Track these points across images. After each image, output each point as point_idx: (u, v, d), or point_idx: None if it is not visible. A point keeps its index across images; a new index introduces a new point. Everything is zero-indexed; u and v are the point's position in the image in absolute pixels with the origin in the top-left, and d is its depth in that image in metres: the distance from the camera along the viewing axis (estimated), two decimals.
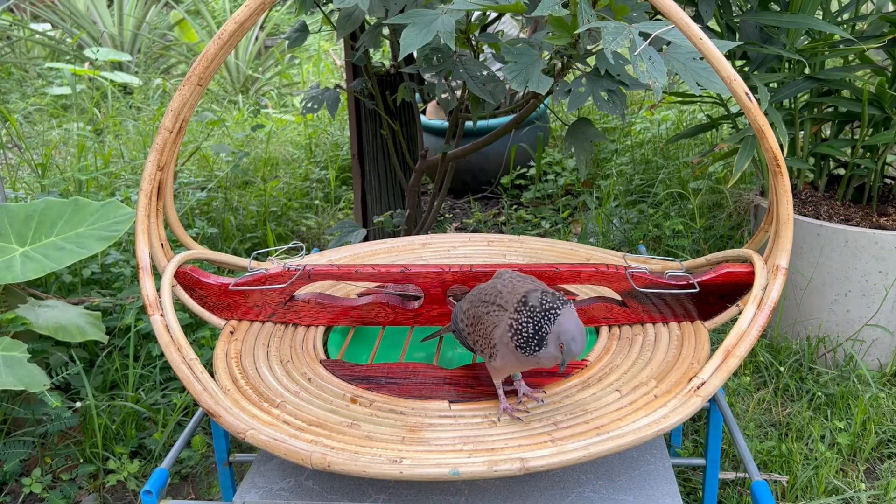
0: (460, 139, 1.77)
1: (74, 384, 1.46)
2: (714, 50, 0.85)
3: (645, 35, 1.09)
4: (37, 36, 4.82)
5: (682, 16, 0.86)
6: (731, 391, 1.42)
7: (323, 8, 1.64)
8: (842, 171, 1.71)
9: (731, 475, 1.22)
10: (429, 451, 0.74)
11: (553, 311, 0.73)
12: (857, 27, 1.51)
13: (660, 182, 2.18)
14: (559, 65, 1.35)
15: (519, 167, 2.70)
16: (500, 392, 0.81)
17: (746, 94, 0.84)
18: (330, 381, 0.88)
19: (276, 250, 1.19)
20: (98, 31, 4.43)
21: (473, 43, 1.41)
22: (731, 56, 1.49)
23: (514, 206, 2.60)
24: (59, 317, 1.38)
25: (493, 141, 1.62)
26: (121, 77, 3.76)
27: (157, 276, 0.97)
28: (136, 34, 4.42)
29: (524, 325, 0.74)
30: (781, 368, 1.44)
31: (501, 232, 2.42)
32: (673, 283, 0.95)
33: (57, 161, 2.42)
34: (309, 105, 1.62)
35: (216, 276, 1.00)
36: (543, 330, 0.73)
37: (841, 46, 1.43)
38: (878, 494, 1.19)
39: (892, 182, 1.65)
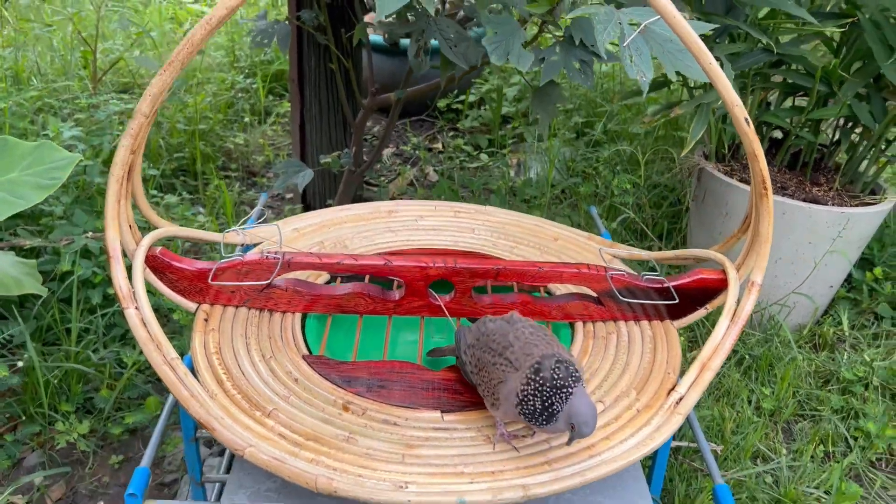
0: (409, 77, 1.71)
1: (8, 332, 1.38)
2: (715, 67, 0.85)
3: (635, 25, 1.08)
4: None
5: (675, 13, 0.84)
6: None
7: None
8: (779, 135, 1.77)
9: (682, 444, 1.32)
10: (431, 473, 0.76)
11: (565, 391, 0.71)
12: (816, 2, 1.53)
13: (601, 123, 2.19)
14: (532, 31, 1.31)
15: (456, 91, 2.64)
16: (500, 425, 0.82)
17: (745, 119, 0.86)
18: (318, 383, 0.88)
19: (242, 222, 1.15)
20: None
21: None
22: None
23: (451, 133, 2.57)
24: None
25: (447, 86, 1.58)
26: None
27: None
28: None
29: (532, 397, 0.72)
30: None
31: (438, 160, 2.39)
32: (651, 286, 0.99)
33: None
34: (258, 39, 1.51)
35: (188, 260, 0.96)
36: (554, 407, 0.72)
37: (800, 24, 1.46)
38: (795, 457, 1.32)
39: (825, 150, 1.74)
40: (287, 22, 1.57)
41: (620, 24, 1.06)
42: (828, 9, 1.45)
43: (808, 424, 1.41)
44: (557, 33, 1.33)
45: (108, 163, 1.74)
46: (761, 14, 1.52)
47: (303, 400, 0.85)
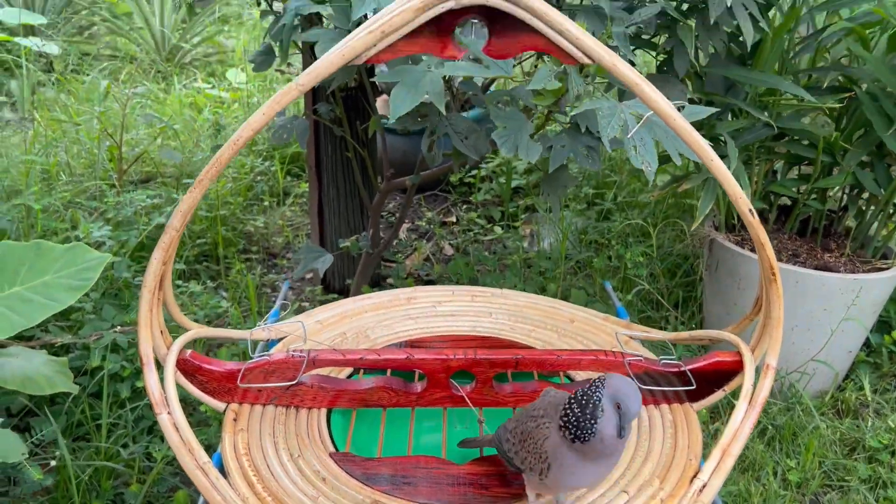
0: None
1: (38, 427, 1.41)
2: (717, 163, 0.89)
3: (637, 117, 1.12)
4: None
5: (678, 117, 0.88)
6: None
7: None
8: (788, 202, 1.80)
9: None
10: None
11: (599, 381, 0.73)
12: (813, 76, 1.58)
13: (611, 193, 2.24)
14: (540, 120, 1.37)
15: (468, 166, 2.71)
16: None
17: (750, 210, 0.89)
18: (345, 481, 0.90)
19: (265, 320, 1.18)
20: None
21: (455, 92, 1.41)
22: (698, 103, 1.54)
23: (464, 206, 2.62)
24: (25, 367, 1.33)
25: (458, 167, 1.63)
26: (38, 44, 3.51)
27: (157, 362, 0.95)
28: None
29: (572, 409, 0.73)
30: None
31: (452, 233, 2.44)
32: (668, 370, 1.01)
33: None
34: (278, 135, 1.58)
35: (217, 362, 0.99)
36: (594, 397, 0.72)
37: (799, 100, 1.50)
38: None
39: (834, 216, 1.76)
40: (305, 117, 1.64)
41: (623, 117, 1.11)
42: (825, 84, 1.50)
43: (836, 496, 1.40)
44: (564, 121, 1.38)
45: (134, 257, 1.80)
46: (761, 90, 1.56)
47: (331, 500, 0.87)
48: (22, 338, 1.52)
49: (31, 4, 4.10)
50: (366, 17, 1.26)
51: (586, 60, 0.84)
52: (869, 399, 1.62)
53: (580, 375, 1.08)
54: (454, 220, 2.55)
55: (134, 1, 3.95)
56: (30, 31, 3.77)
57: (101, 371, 1.43)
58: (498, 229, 2.38)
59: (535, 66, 1.38)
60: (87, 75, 3.46)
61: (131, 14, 4.14)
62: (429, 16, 0.80)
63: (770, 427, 1.51)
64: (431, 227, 2.44)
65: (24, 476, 1.28)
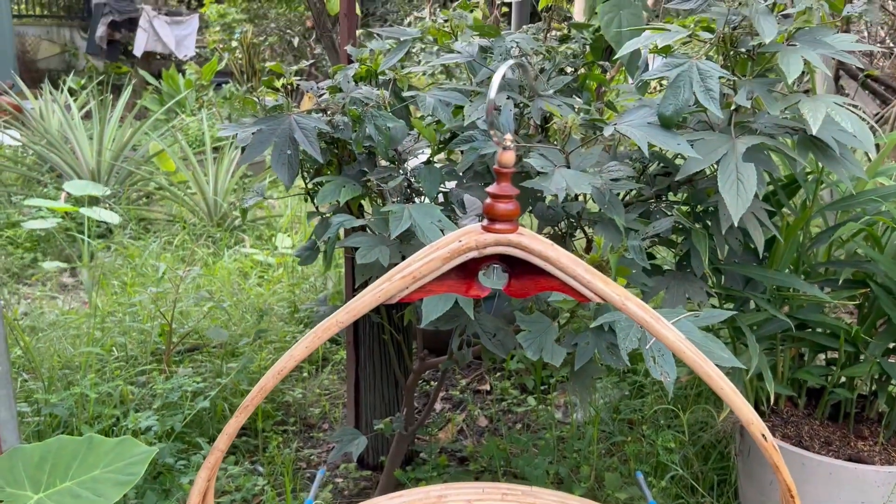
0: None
1: None
2: (727, 391, 0.94)
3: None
4: (12, 163, 4.83)
5: (684, 346, 0.94)
6: None
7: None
8: (817, 385, 1.82)
9: None
10: None
11: None
12: (829, 270, 1.64)
13: (642, 367, 2.27)
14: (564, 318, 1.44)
15: None
16: None
17: (763, 435, 0.93)
18: None
19: None
20: (73, 156, 4.46)
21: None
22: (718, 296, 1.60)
23: (497, 373, 2.66)
24: None
25: (488, 363, 1.70)
26: (99, 213, 3.78)
27: None
28: (113, 164, 4.47)
29: None
30: None
31: (486, 403, 2.47)
32: None
33: (53, 344, 2.41)
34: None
35: None
36: None
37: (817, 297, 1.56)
38: None
39: (865, 399, 1.77)
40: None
41: (641, 329, 1.18)
42: (840, 281, 1.56)
43: None
44: (587, 317, 1.46)
45: (177, 438, 1.87)
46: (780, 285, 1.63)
47: None
48: None
49: (97, 175, 4.44)
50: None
51: (598, 300, 0.92)
52: None
53: None
54: (487, 388, 2.59)
55: (190, 170, 4.26)
56: (94, 201, 4.07)
57: None
58: (531, 400, 2.40)
59: None
60: (144, 241, 3.69)
61: (186, 182, 4.45)
62: (454, 263, 0.90)
63: None
64: (465, 396, 2.48)
65: None
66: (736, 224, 1.18)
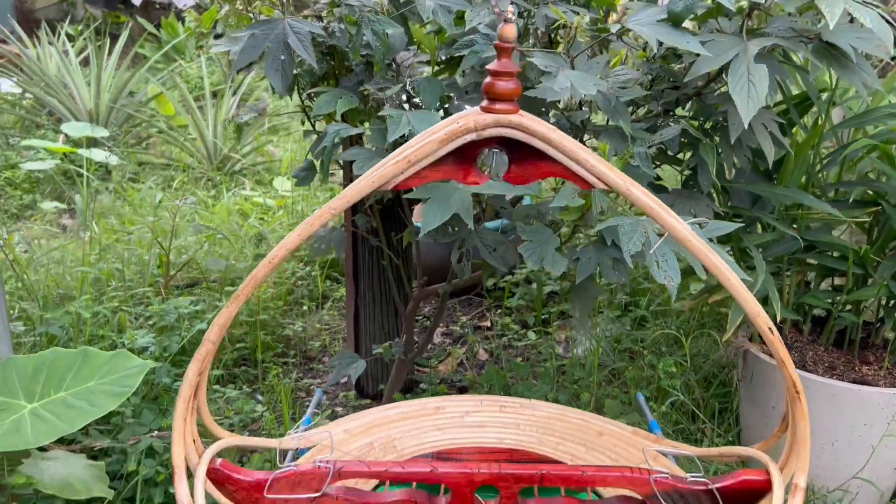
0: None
1: None
2: (734, 283, 0.91)
3: (660, 233, 1.16)
4: (10, 106, 4.77)
5: (695, 239, 0.91)
6: None
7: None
8: (823, 312, 1.79)
9: None
10: None
11: None
12: (840, 190, 1.60)
13: (645, 300, 2.24)
14: (567, 234, 1.41)
15: (502, 273, 2.75)
16: None
17: (769, 328, 0.90)
18: None
19: (296, 428, 1.21)
20: (72, 99, 4.40)
21: (484, 205, 1.47)
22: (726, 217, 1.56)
23: (498, 310, 2.64)
24: (64, 472, 1.36)
25: (487, 278, 1.68)
26: (98, 155, 3.74)
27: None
28: (112, 107, 4.41)
29: None
30: None
31: (487, 338, 2.46)
32: (695, 488, 1.00)
33: (45, 264, 2.39)
34: (317, 246, 1.65)
35: (247, 472, 1.01)
36: None
37: (828, 214, 1.52)
38: None
39: (871, 326, 1.74)
40: (342, 228, 1.71)
41: (646, 232, 1.14)
42: (851, 199, 1.52)
43: None
44: (590, 233, 1.42)
45: (175, 362, 1.85)
46: (788, 204, 1.59)
47: None
48: (63, 441, 1.56)
49: (95, 118, 4.39)
50: (403, 137, 1.33)
51: (601, 185, 0.88)
52: None
53: (607, 492, 1.07)
54: (488, 324, 2.58)
55: (189, 114, 4.20)
56: (92, 143, 4.02)
57: (136, 475, 1.46)
58: (532, 335, 2.39)
59: (563, 182, 1.43)
60: (143, 184, 3.66)
61: (186, 126, 4.39)
62: (452, 146, 0.86)
63: None
64: (465, 331, 2.47)
65: None
66: (746, 125, 1.14)
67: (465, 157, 0.87)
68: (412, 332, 1.88)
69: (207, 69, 5.24)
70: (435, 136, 0.86)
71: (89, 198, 3.40)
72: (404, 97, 1.47)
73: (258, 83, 5.18)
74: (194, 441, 1.00)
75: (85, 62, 5.24)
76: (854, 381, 1.55)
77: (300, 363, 2.31)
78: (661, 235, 1.13)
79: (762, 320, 0.90)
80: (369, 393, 2.11)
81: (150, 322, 1.92)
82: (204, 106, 4.38)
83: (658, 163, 1.51)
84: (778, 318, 1.41)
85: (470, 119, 0.85)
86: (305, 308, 2.59)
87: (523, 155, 0.87)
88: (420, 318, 2.62)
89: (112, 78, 4.57)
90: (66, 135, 4.05)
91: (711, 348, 1.90)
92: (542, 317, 2.48)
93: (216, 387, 1.91)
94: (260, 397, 2.04)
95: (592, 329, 2.15)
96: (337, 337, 2.48)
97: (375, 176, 0.87)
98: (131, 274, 2.30)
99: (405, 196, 1.36)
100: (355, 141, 1.58)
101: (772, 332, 0.90)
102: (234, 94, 4.63)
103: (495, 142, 0.86)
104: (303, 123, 1.79)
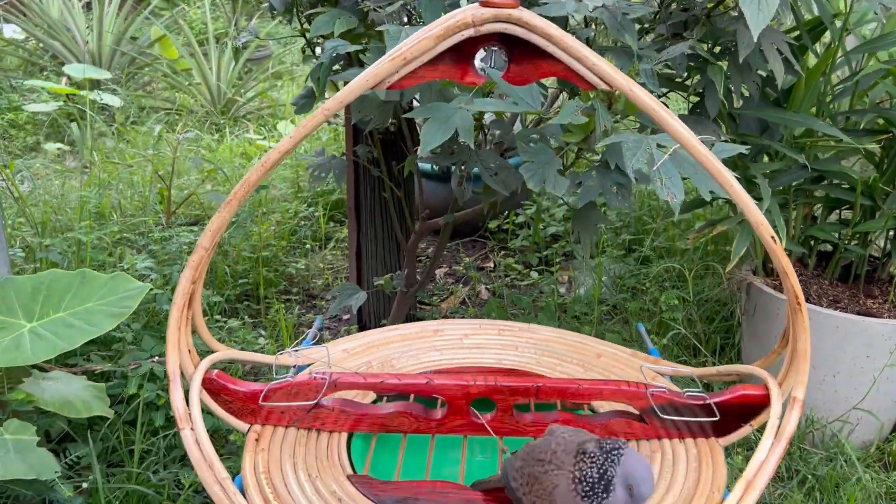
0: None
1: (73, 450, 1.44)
2: (736, 188, 0.88)
3: (662, 148, 1.13)
4: (13, 48, 4.72)
5: (697, 144, 0.88)
6: None
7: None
8: (829, 248, 1.77)
9: None
10: None
11: (616, 452, 0.72)
12: (851, 119, 1.57)
13: (649, 239, 2.22)
14: (570, 159, 1.38)
15: (507, 213, 2.73)
16: None
17: (773, 238, 0.88)
18: (360, 502, 0.90)
19: (294, 344, 1.20)
20: (74, 42, 4.35)
21: (486, 130, 1.44)
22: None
23: (502, 252, 2.63)
24: (64, 391, 1.37)
25: (493, 210, 1.65)
26: (101, 97, 3.70)
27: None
28: (115, 50, 4.36)
29: (587, 471, 0.73)
30: None
31: (489, 278, 2.45)
32: (693, 403, 0.99)
33: (46, 198, 2.38)
34: (316, 174, 1.63)
35: (242, 382, 1.01)
36: (609, 473, 0.72)
37: (837, 141, 1.49)
38: None
39: (877, 262, 1.72)
40: (343, 157, 1.69)
41: (650, 149, 1.12)
42: (862, 126, 1.49)
43: None
44: (594, 158, 1.40)
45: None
46: (799, 132, 1.56)
47: None
48: (64, 364, 1.56)
49: (97, 61, 4.34)
50: None
51: (603, 86, 0.85)
52: None
53: (603, 406, 1.07)
54: (491, 265, 2.56)
55: (193, 58, 4.15)
56: (95, 85, 3.98)
57: (137, 399, 1.47)
58: (535, 274, 2.38)
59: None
60: (145, 126, 3.63)
61: (190, 70, 4.34)
62: (449, 43, 0.83)
63: (810, 477, 1.45)
64: (468, 272, 2.46)
65: (59, 498, 1.31)
66: (755, 38, 1.10)
67: (462, 55, 0.85)
68: (414, 266, 1.87)
69: (211, 14, 5.16)
70: (431, 32, 0.83)
71: (92, 139, 3.38)
72: (405, 18, 1.43)
73: (261, 28, 5.10)
74: (190, 352, 1.00)
75: (87, 6, 5.17)
76: (858, 314, 1.53)
77: (303, 300, 2.31)
78: (665, 152, 1.11)
79: (765, 229, 0.88)
80: (371, 327, 2.11)
81: (152, 251, 1.92)
82: (208, 51, 4.33)
83: (666, 88, 1.48)
84: (783, 239, 1.38)
85: (468, 14, 0.82)
86: (308, 247, 2.58)
87: (523, 53, 0.84)
88: (423, 258, 2.61)
89: (114, 20, 4.51)
90: (68, 77, 4.01)
91: (715, 284, 1.89)
92: (544, 256, 2.46)
93: (217, 317, 1.91)
94: (262, 331, 2.05)
95: (595, 268, 2.14)
96: (340, 276, 2.48)
97: (370, 74, 0.85)
98: (133, 210, 2.29)
99: (405, 116, 1.33)
100: (356, 62, 1.55)
101: (774, 241, 0.89)
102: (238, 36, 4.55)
103: (494, 39, 0.83)
104: (303, 52, 1.76)
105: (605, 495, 0.73)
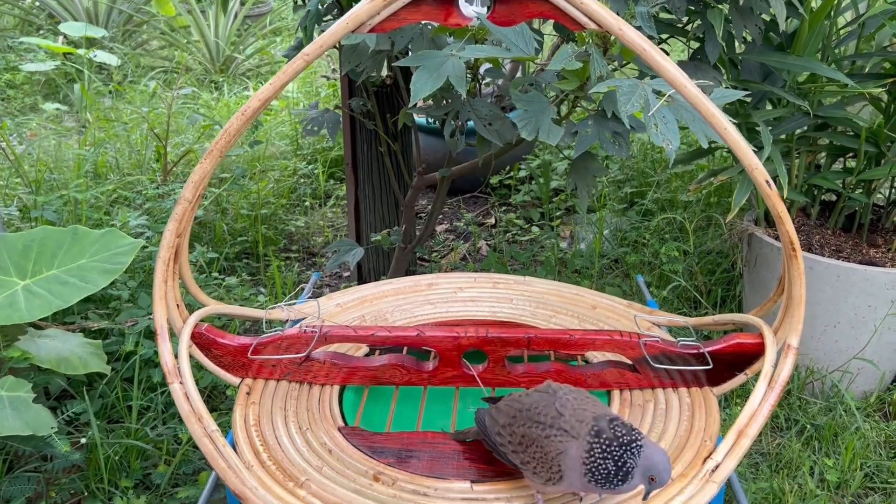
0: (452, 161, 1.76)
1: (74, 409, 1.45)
2: (731, 132, 0.86)
3: (658, 94, 1.10)
4: (9, 7, 4.66)
5: (690, 86, 0.86)
6: (723, 423, 1.46)
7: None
8: (832, 197, 1.74)
9: None
10: None
11: (635, 445, 0.71)
12: (857, 63, 1.52)
13: (651, 192, 2.20)
14: (566, 108, 1.35)
15: (508, 168, 2.70)
16: (539, 499, 0.81)
17: (767, 182, 0.86)
18: (351, 453, 0.90)
19: (289, 298, 1.19)
20: (70, 0, 4.29)
21: (480, 80, 1.41)
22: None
23: (503, 207, 2.61)
24: (61, 348, 1.37)
25: (490, 163, 1.63)
26: (98, 55, 3.65)
27: (174, 336, 0.97)
28: (111, 7, 4.29)
29: (603, 460, 0.71)
30: None
31: (490, 234, 2.43)
32: (686, 352, 0.98)
33: (42, 157, 2.37)
34: (309, 127, 1.60)
35: (232, 336, 1.01)
36: (628, 465, 0.71)
37: (842, 86, 1.45)
38: None
39: (881, 211, 1.69)
40: (336, 110, 1.66)
41: (645, 94, 1.09)
42: (867, 70, 1.44)
43: (879, 498, 1.33)
44: (590, 107, 1.37)
45: None
46: (802, 78, 1.52)
47: (335, 470, 0.87)
48: (62, 323, 1.57)
49: (94, 19, 4.28)
50: None
51: (593, 26, 0.82)
52: None
53: (596, 357, 1.06)
54: (493, 221, 2.55)
55: (191, 15, 4.08)
56: (92, 43, 3.93)
57: (134, 356, 1.47)
58: (536, 229, 2.36)
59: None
60: (142, 84, 3.59)
61: (188, 27, 4.28)
62: None
63: (809, 426, 1.45)
64: (469, 228, 2.44)
65: (56, 453, 1.32)
66: None
67: None
68: (412, 221, 1.86)
69: None
70: None
71: (89, 98, 3.35)
72: None
73: None
74: (178, 306, 0.99)
75: None
76: (860, 263, 1.51)
77: (303, 258, 2.30)
78: (661, 98, 1.08)
79: (759, 173, 0.86)
80: None
81: (147, 209, 1.90)
82: (205, 7, 4.26)
83: (665, 34, 1.44)
84: (785, 187, 1.36)
85: None
86: (308, 205, 2.56)
87: None
88: (423, 214, 2.59)
89: None
90: (65, 35, 3.96)
91: (716, 237, 1.87)
92: (547, 211, 2.44)
93: (215, 275, 1.91)
94: (262, 289, 2.04)
95: (596, 221, 2.12)
96: (339, 233, 2.46)
97: (351, 17, 0.82)
98: (130, 168, 2.27)
99: (395, 65, 1.30)
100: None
101: (769, 185, 0.86)
102: None
103: None
104: (295, 2, 1.72)
105: (620, 483, 0.72)
